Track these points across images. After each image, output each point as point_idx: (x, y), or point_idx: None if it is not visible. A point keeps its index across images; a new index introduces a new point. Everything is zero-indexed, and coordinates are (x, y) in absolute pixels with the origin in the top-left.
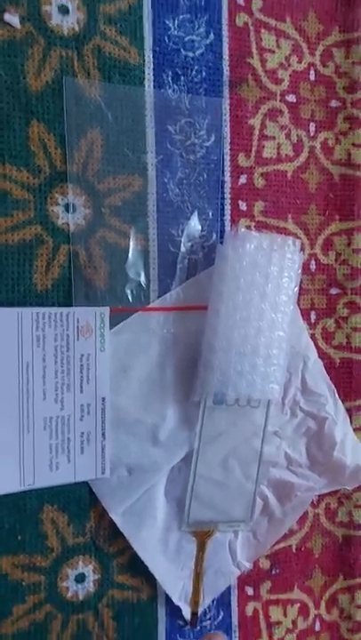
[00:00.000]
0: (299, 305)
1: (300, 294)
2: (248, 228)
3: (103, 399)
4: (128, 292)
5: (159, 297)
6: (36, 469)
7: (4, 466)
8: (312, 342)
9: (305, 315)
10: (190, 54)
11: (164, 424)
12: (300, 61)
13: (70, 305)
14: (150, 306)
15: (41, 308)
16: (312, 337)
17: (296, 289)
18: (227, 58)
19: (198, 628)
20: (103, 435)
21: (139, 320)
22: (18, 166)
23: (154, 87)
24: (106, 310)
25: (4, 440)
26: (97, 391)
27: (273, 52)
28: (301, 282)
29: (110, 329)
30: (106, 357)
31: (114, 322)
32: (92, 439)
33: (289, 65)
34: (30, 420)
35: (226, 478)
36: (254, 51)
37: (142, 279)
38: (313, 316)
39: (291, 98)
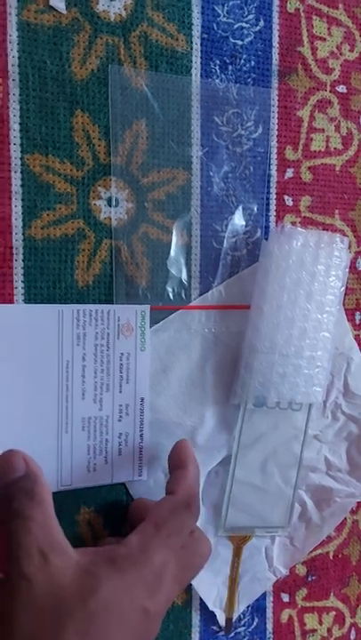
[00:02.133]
0: (344, 305)
1: (345, 294)
2: (294, 224)
3: (142, 400)
4: (169, 289)
5: (201, 295)
6: (74, 470)
7: (41, 466)
8: (356, 344)
9: (350, 315)
10: (239, 42)
11: (203, 427)
12: (351, 50)
13: (111, 302)
14: (191, 304)
15: (82, 306)
16: (356, 338)
17: (343, 288)
18: (276, 46)
19: (233, 634)
20: (141, 436)
21: (179, 319)
22: (61, 158)
23: (201, 77)
24: (147, 309)
25: (42, 440)
26: (136, 391)
27: (324, 39)
28: (347, 281)
29: (150, 327)
30: (146, 357)
31: (154, 320)
32: (130, 441)
33: (341, 54)
34: (69, 421)
35: (264, 483)
36: (305, 39)
37: (184, 276)
38: (358, 317)
39: (341, 88)
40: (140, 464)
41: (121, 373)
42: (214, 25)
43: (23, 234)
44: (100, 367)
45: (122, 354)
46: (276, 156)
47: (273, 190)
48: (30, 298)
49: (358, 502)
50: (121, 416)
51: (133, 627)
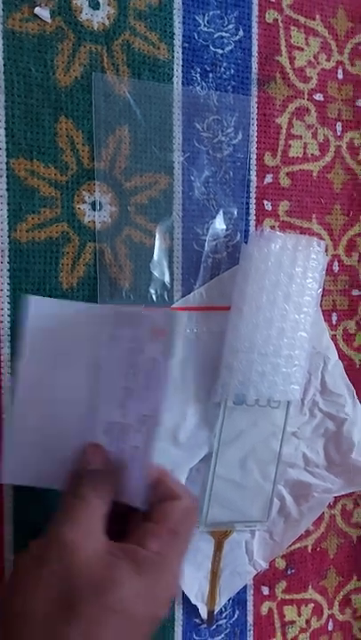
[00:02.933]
0: (321, 306)
1: (322, 295)
2: (272, 227)
3: (158, 410)
4: (152, 291)
5: (183, 296)
6: None
7: (63, 466)
8: (333, 343)
9: (326, 316)
10: (219, 51)
11: (185, 424)
12: (328, 59)
13: (95, 304)
14: (174, 306)
15: (120, 306)
16: (333, 338)
17: (320, 290)
18: (256, 55)
19: (214, 626)
20: (148, 452)
21: None
22: (46, 163)
23: (182, 84)
24: (184, 315)
25: (66, 441)
26: (157, 399)
27: (302, 49)
28: (324, 283)
29: None
30: (174, 362)
31: None
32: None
33: (317, 63)
34: (97, 414)
35: (244, 479)
36: (283, 48)
37: (166, 278)
38: (334, 318)
39: (318, 97)
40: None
41: (147, 379)
42: (195, 34)
43: (9, 237)
44: (130, 369)
45: (151, 358)
46: (255, 162)
47: (253, 195)
48: (15, 299)
49: (335, 497)
50: (140, 424)
51: (142, 630)
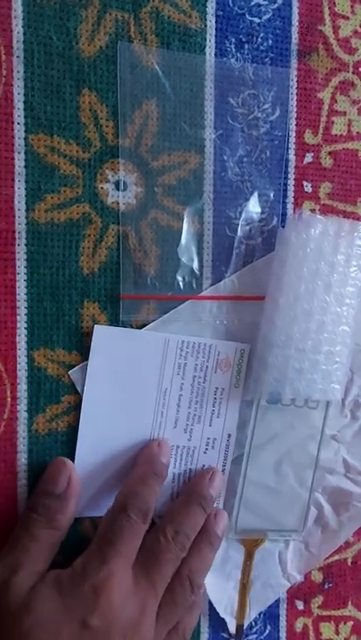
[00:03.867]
0: None
1: None
2: (312, 211)
3: (229, 435)
4: (179, 278)
5: (212, 285)
6: (158, 497)
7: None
8: None
9: None
10: (256, 20)
11: None
12: None
13: (117, 291)
14: (203, 294)
15: (186, 337)
16: None
17: None
18: (296, 24)
19: None
20: (223, 471)
21: (190, 309)
22: (67, 139)
23: (215, 55)
24: (247, 347)
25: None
26: (225, 426)
27: (347, 18)
28: None
29: (159, 318)
30: (239, 393)
31: (163, 310)
32: None
33: None
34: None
35: (278, 484)
36: (326, 17)
37: (195, 265)
38: None
39: None
40: (218, 497)
41: (213, 407)
42: (230, 1)
43: (26, 217)
44: (195, 398)
45: (217, 388)
46: (294, 140)
47: (291, 176)
48: (33, 284)
49: None
50: (207, 449)
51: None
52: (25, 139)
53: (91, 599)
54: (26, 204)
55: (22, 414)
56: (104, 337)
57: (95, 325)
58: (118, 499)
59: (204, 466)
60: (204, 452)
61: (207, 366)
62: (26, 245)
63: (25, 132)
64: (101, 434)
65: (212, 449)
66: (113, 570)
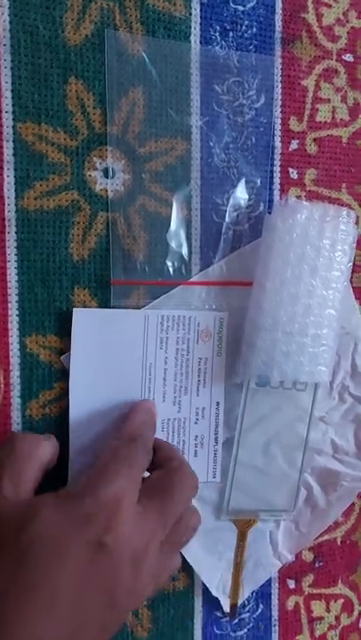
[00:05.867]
0: (351, 282)
1: (353, 271)
2: (298, 197)
3: (217, 403)
4: (169, 264)
5: (201, 270)
6: None
7: None
8: None
9: (357, 293)
10: (240, 7)
11: None
12: (359, 17)
13: (108, 277)
14: (192, 280)
15: (166, 311)
16: None
17: (350, 264)
18: (280, 12)
19: (236, 620)
20: (216, 439)
21: (179, 294)
22: (54, 127)
23: (200, 43)
24: (225, 316)
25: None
26: (212, 395)
27: (330, 6)
28: (354, 257)
29: (149, 303)
30: (222, 362)
31: (153, 296)
32: (206, 443)
33: (347, 21)
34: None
35: (267, 465)
36: (310, 4)
37: (184, 251)
38: None
39: (348, 57)
40: (214, 467)
41: (199, 377)
42: None
43: (16, 205)
44: (179, 371)
45: (200, 358)
46: (279, 127)
47: (277, 162)
48: (23, 271)
49: None
50: (197, 419)
51: (78, 561)
52: (13, 127)
53: (104, 516)
54: (15, 191)
55: (15, 400)
56: (84, 319)
57: (74, 309)
58: (123, 431)
59: (196, 436)
60: (195, 423)
61: (189, 338)
62: (16, 233)
63: (13, 120)
64: (92, 414)
65: (203, 418)
66: (125, 490)
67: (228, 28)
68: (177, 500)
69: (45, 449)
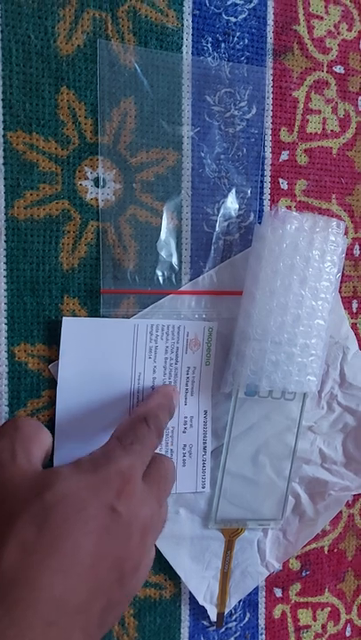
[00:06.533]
0: (340, 292)
1: (342, 281)
2: (289, 208)
3: (205, 412)
4: (159, 273)
5: (191, 280)
6: None
7: None
8: (353, 333)
9: (346, 303)
10: (232, 19)
11: None
12: (349, 29)
13: (97, 286)
14: (182, 289)
15: (155, 320)
16: (353, 327)
17: (339, 275)
18: (271, 24)
19: (223, 629)
20: (205, 449)
21: (169, 304)
22: (46, 136)
23: (192, 54)
24: (214, 325)
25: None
26: (200, 404)
27: (321, 18)
28: (344, 268)
29: (139, 312)
30: (210, 371)
31: (143, 305)
32: (194, 452)
33: (338, 33)
34: None
35: (255, 474)
36: (301, 17)
37: (174, 260)
38: (355, 305)
39: (339, 69)
40: (203, 476)
41: (187, 386)
42: (206, 1)
43: (5, 214)
44: (168, 380)
45: (188, 367)
46: (270, 138)
47: (267, 173)
48: (13, 280)
49: (354, 496)
50: (185, 428)
51: (97, 524)
52: (4, 136)
53: (118, 483)
54: (5, 200)
55: (3, 409)
56: (73, 328)
57: (64, 317)
58: (138, 412)
59: (185, 446)
60: (183, 432)
61: (177, 347)
62: (5, 242)
63: (3, 129)
64: (78, 422)
65: (191, 427)
66: (136, 463)
67: (220, 39)
68: (170, 487)
69: (47, 435)
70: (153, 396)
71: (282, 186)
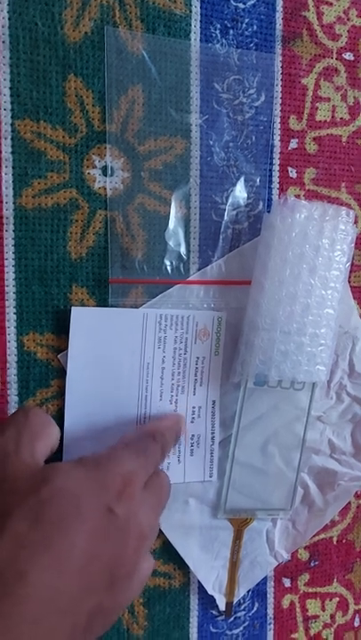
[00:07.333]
0: (350, 282)
1: (351, 270)
2: (298, 196)
3: (213, 402)
4: (167, 263)
5: (200, 269)
6: None
7: None
8: None
9: (356, 293)
10: (241, 5)
11: None
12: (359, 15)
13: (106, 275)
14: (190, 279)
15: (164, 310)
16: None
17: (348, 264)
18: (280, 10)
19: (232, 618)
20: (213, 439)
21: (177, 293)
22: (53, 124)
23: (201, 41)
24: (223, 315)
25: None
26: (208, 394)
27: (331, 4)
28: (353, 257)
29: (147, 302)
30: (219, 361)
31: (151, 294)
32: (202, 442)
33: (348, 19)
34: (147, 420)
35: (265, 464)
36: (310, 2)
37: (182, 249)
38: None
39: (348, 56)
40: (210, 466)
41: (196, 377)
42: None
43: (14, 203)
44: (177, 370)
45: (197, 357)
46: (279, 126)
47: (276, 161)
48: (21, 269)
49: None
50: (193, 418)
51: (93, 523)
52: (11, 124)
53: (118, 485)
54: (13, 189)
55: (12, 398)
56: (82, 318)
57: (72, 307)
58: (146, 428)
59: (193, 435)
60: (191, 422)
61: (187, 337)
62: (14, 231)
63: (11, 117)
64: (88, 413)
65: (199, 417)
66: (137, 471)
67: (228, 25)
68: (166, 501)
69: (55, 430)
70: (163, 419)
71: (291, 174)
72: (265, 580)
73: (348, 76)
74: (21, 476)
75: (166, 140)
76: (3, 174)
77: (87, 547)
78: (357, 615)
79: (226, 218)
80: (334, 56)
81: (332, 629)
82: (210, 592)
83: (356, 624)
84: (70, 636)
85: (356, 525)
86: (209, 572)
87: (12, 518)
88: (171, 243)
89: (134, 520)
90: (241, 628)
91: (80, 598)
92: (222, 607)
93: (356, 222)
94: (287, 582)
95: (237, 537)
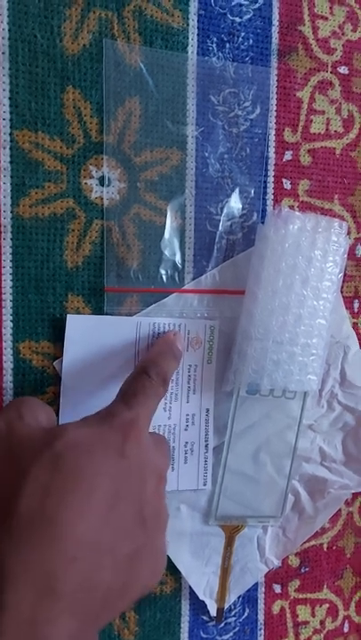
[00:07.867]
0: (342, 292)
1: (343, 281)
2: (292, 208)
3: (207, 410)
4: (162, 272)
5: (194, 279)
6: None
7: None
8: (354, 332)
9: (348, 303)
10: (237, 19)
11: None
12: (354, 30)
13: (101, 284)
14: (185, 288)
15: (158, 318)
16: (354, 326)
17: (340, 275)
18: (276, 24)
19: (223, 624)
20: (206, 446)
21: (172, 302)
22: (51, 135)
23: (197, 54)
24: (216, 324)
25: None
26: (202, 402)
27: (326, 19)
28: (346, 267)
29: (142, 310)
30: (212, 369)
31: (146, 303)
32: (196, 450)
33: (343, 34)
34: None
35: (256, 472)
36: (306, 17)
37: (177, 259)
38: (356, 305)
39: (343, 69)
40: (204, 474)
41: (189, 384)
42: (212, 1)
43: (11, 212)
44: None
45: (190, 365)
46: (274, 138)
47: (271, 173)
48: (18, 278)
49: (353, 494)
50: (187, 425)
51: (109, 467)
52: (10, 134)
53: (123, 431)
54: (11, 198)
55: None
56: (78, 325)
57: (68, 315)
58: (138, 366)
59: (186, 443)
60: (185, 429)
61: None
62: (11, 240)
63: (10, 127)
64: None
65: (192, 425)
66: (139, 414)
67: (225, 39)
68: (170, 448)
69: (51, 410)
70: (153, 346)
71: (285, 186)
72: (256, 585)
73: (342, 90)
74: (31, 438)
75: (162, 152)
76: (1, 184)
77: (109, 489)
78: (347, 621)
79: (220, 228)
80: (329, 70)
81: (322, 635)
82: (201, 598)
83: (346, 630)
84: (114, 575)
85: (347, 532)
86: (200, 577)
87: (32, 472)
88: (166, 252)
89: (147, 461)
90: (231, 634)
91: (115, 539)
92: (213, 613)
93: (348, 234)
94: (278, 588)
95: (229, 543)
